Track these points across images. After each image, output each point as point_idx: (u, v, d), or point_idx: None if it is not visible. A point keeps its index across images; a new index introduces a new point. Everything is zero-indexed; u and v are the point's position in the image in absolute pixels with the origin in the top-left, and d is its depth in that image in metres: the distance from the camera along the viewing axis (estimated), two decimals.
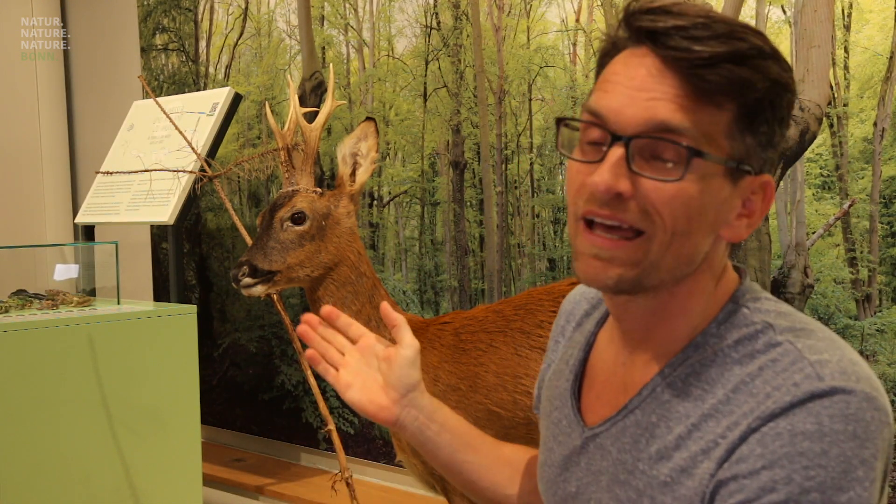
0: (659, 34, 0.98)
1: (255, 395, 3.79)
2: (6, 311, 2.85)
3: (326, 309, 1.31)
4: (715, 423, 0.99)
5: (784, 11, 2.30)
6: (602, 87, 1.03)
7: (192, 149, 2.78)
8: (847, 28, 2.20)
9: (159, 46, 4.13)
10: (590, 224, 1.02)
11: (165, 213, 3.12)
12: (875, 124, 2.18)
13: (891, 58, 2.15)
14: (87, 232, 3.64)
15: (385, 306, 1.30)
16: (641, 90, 0.98)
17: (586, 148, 1.04)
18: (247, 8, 3.71)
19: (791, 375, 0.95)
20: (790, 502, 0.90)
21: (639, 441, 1.06)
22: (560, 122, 1.07)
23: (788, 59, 2.29)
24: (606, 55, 1.06)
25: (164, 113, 2.83)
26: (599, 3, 2.65)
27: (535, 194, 2.83)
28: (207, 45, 3.90)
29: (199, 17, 3.93)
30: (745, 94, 0.98)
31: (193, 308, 2.92)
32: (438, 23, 3.04)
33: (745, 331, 1.03)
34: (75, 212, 4.40)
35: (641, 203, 0.98)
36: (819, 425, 0.92)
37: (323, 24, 3.42)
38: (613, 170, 0.98)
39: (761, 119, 1.00)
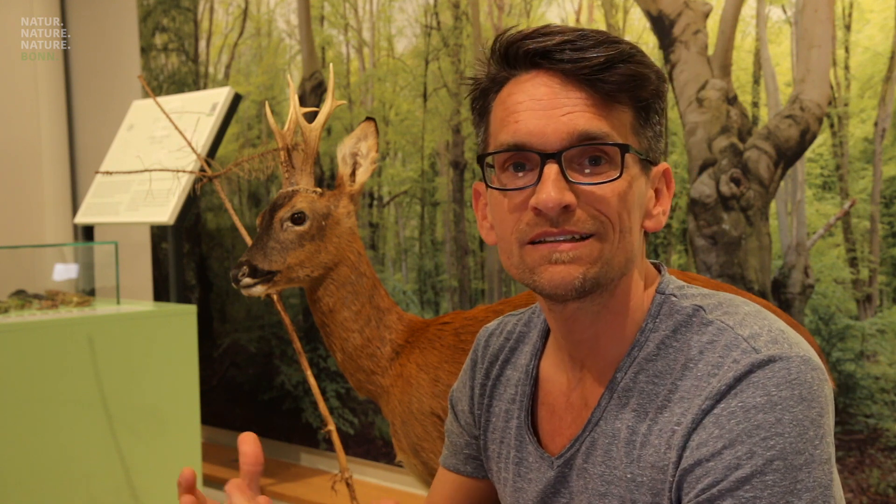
0: (550, 52, 1.02)
1: (255, 395, 3.79)
2: (6, 311, 2.85)
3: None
4: (669, 413, 1.03)
5: (784, 11, 2.30)
6: (510, 119, 1.05)
7: (192, 149, 2.77)
8: (847, 28, 2.20)
9: (159, 46, 4.12)
10: (536, 242, 1.04)
11: (165, 213, 3.12)
12: (876, 124, 2.18)
13: (891, 57, 2.14)
14: (87, 232, 3.64)
15: (248, 441, 0.98)
16: (553, 108, 1.03)
17: (506, 177, 1.06)
18: (247, 8, 3.71)
19: (729, 353, 1.00)
20: (756, 475, 0.95)
21: (610, 450, 1.08)
22: (482, 159, 1.09)
23: (789, 58, 2.29)
24: (486, 92, 1.11)
25: (164, 113, 2.83)
26: (599, 3, 2.65)
27: None
28: (207, 45, 3.90)
29: (199, 16, 3.93)
30: (643, 88, 1.04)
31: (193, 308, 2.92)
32: (438, 23, 3.04)
33: (678, 318, 1.08)
34: (75, 212, 4.39)
35: (587, 209, 1.02)
36: (768, 396, 0.96)
37: (323, 24, 3.41)
38: (556, 185, 1.01)
39: (654, 111, 1.07)
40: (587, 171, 1.03)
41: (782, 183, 2.33)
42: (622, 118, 1.04)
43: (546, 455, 1.15)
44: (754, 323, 1.03)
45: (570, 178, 1.02)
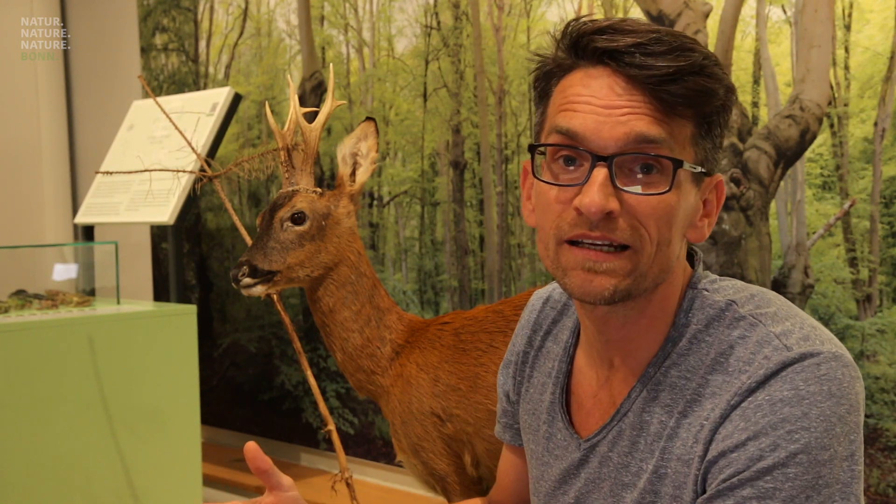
0: (619, 53, 1.00)
1: (255, 395, 3.79)
2: (6, 311, 2.85)
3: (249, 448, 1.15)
4: (699, 406, 1.03)
5: (784, 11, 2.30)
6: (568, 108, 1.03)
7: (192, 149, 2.77)
8: (847, 28, 2.20)
9: (159, 46, 4.12)
10: (574, 242, 1.03)
11: (165, 213, 3.12)
12: (875, 124, 2.18)
13: (891, 57, 2.14)
14: (87, 232, 3.64)
15: (250, 448, 1.14)
16: (613, 108, 1.01)
17: (556, 168, 1.05)
18: (247, 8, 3.71)
19: (760, 349, 1.00)
20: (778, 467, 0.95)
21: (636, 442, 1.08)
22: (534, 148, 1.07)
23: (788, 59, 2.29)
24: (549, 76, 1.08)
25: (164, 113, 2.83)
26: (599, 3, 2.65)
27: None
28: (207, 45, 3.90)
29: (199, 17, 3.93)
30: (708, 102, 1.02)
31: (193, 308, 2.92)
32: (438, 23, 3.04)
33: (710, 312, 1.07)
34: (75, 212, 4.39)
35: (629, 219, 1.01)
36: (796, 390, 0.96)
37: (323, 24, 3.41)
38: (602, 190, 0.99)
39: (716, 124, 1.05)
40: (639, 176, 1.01)
41: (782, 183, 2.33)
42: (682, 128, 1.02)
43: (575, 435, 1.16)
44: (786, 319, 1.02)
45: (619, 184, 1.00)
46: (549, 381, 1.23)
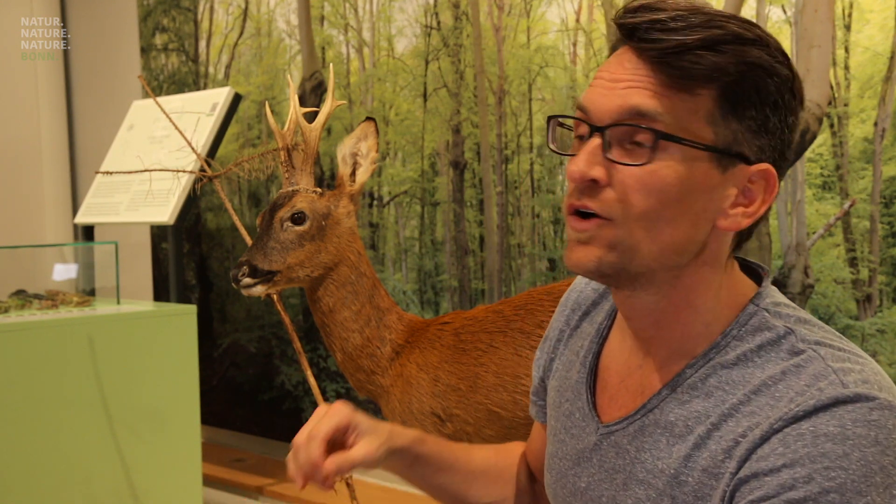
0: (637, 30, 1.00)
1: (255, 395, 3.79)
2: (6, 311, 2.85)
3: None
4: (735, 422, 1.00)
5: (784, 11, 2.30)
6: (590, 86, 1.06)
7: (192, 149, 2.77)
8: (847, 28, 2.20)
9: (159, 46, 4.12)
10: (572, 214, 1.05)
11: (165, 213, 3.12)
12: (875, 124, 2.18)
13: (891, 57, 2.14)
14: (87, 232, 3.64)
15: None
16: (618, 81, 1.01)
17: (574, 142, 1.06)
18: (247, 8, 3.71)
19: (815, 381, 0.97)
20: (809, 501, 0.91)
21: (659, 441, 1.06)
22: (551, 119, 1.10)
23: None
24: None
25: (164, 113, 2.83)
26: (599, 3, 2.65)
27: (535, 194, 2.83)
28: (207, 45, 3.90)
29: (199, 16, 3.93)
30: (719, 78, 0.98)
31: (193, 308, 2.92)
32: (438, 23, 3.04)
33: (767, 335, 1.04)
34: (75, 212, 4.39)
35: (617, 191, 1.00)
36: (842, 428, 0.93)
37: (323, 24, 3.41)
38: (588, 157, 1.00)
39: (746, 104, 1.00)
40: (631, 151, 1.00)
41: (782, 183, 2.32)
42: (691, 105, 0.99)
43: (595, 418, 1.15)
44: (847, 359, 0.99)
45: (610, 155, 1.00)
46: (577, 359, 1.22)
